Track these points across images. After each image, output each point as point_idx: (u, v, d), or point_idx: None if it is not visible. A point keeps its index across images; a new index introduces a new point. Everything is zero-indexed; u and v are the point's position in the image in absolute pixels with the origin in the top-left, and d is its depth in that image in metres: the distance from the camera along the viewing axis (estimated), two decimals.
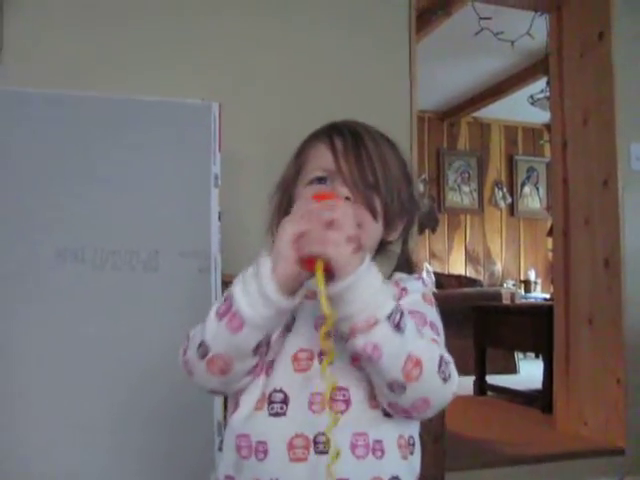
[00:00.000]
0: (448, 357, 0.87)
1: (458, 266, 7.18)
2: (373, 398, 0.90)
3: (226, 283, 2.04)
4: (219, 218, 1.96)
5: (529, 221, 7.57)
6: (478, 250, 7.35)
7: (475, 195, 7.40)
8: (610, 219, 3.20)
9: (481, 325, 4.74)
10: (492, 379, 4.75)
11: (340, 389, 0.89)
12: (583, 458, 3.07)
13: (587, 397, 3.34)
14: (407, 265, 1.09)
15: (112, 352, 1.85)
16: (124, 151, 1.93)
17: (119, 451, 1.82)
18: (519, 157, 7.61)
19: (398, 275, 1.06)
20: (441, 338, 0.93)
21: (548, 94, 4.35)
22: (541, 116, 6.00)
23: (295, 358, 0.92)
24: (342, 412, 0.88)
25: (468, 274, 7.10)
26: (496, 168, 7.55)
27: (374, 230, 1.00)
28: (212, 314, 0.87)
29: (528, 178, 7.65)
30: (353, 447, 0.88)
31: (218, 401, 1.89)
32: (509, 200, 7.49)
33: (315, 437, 0.87)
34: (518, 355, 5.77)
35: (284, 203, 1.03)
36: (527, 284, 6.91)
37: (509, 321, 4.57)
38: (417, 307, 0.94)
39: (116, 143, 1.93)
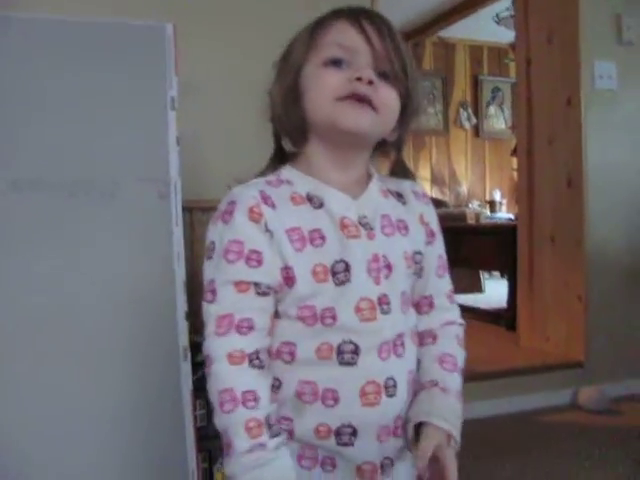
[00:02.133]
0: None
1: (424, 187, 7.20)
2: (415, 335, 1.02)
3: (186, 209, 2.03)
4: (177, 143, 1.90)
5: (494, 141, 7.56)
6: (443, 171, 7.35)
7: (440, 116, 7.34)
8: (573, 138, 3.21)
9: (447, 245, 4.76)
10: (459, 298, 4.79)
11: (400, 336, 0.96)
12: (545, 372, 3.16)
13: (549, 314, 3.42)
14: (404, 173, 1.08)
15: (74, 283, 1.83)
16: (75, 76, 1.85)
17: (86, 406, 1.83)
18: (484, 77, 7.54)
19: (410, 184, 1.08)
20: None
21: (513, 12, 4.29)
22: (507, 35, 5.92)
23: (358, 309, 0.92)
24: (402, 355, 0.96)
25: (434, 195, 7.12)
26: (461, 88, 7.48)
27: (391, 120, 0.97)
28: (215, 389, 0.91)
29: (493, 98, 7.60)
30: (408, 383, 0.97)
31: (183, 328, 1.89)
32: (474, 121, 7.46)
33: (385, 382, 0.92)
34: (484, 275, 5.88)
35: (291, 83, 0.96)
36: (492, 204, 6.96)
37: (474, 241, 4.63)
38: (444, 253, 1.08)
39: (66, 68, 1.85)
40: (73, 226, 1.84)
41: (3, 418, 1.75)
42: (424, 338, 1.04)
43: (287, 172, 0.99)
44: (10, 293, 1.78)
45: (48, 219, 1.82)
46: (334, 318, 0.91)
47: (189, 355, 1.89)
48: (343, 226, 0.94)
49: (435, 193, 7.20)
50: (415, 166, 7.11)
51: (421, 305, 1.05)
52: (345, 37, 0.93)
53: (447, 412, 0.96)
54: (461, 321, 1.08)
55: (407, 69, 0.94)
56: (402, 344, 0.96)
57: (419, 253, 1.02)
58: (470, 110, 7.44)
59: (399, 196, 1.04)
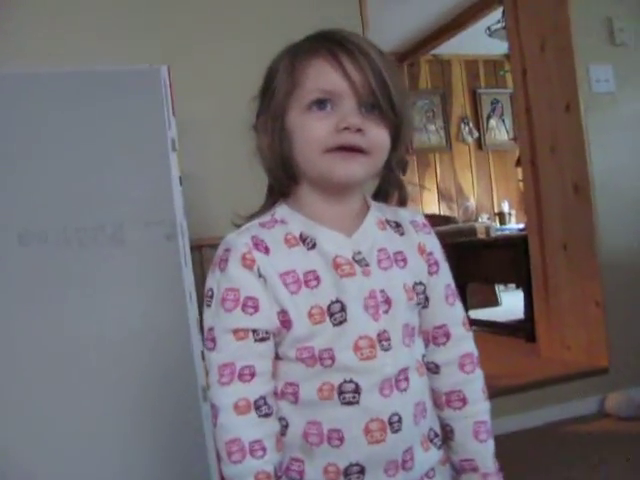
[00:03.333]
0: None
1: (431, 205, 7.20)
2: (422, 366, 1.01)
3: (195, 248, 2.04)
4: (180, 183, 1.93)
5: (498, 153, 7.58)
6: (450, 187, 7.36)
7: (442, 133, 7.37)
8: (575, 144, 3.20)
9: (459, 261, 4.69)
10: (475, 313, 4.81)
11: (403, 370, 0.95)
12: (570, 381, 3.13)
13: (568, 322, 3.39)
14: (400, 191, 1.06)
15: (88, 331, 1.84)
16: (77, 126, 1.88)
17: (100, 431, 1.82)
18: (482, 90, 7.58)
19: (409, 213, 1.07)
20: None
21: (504, 24, 4.31)
22: (500, 47, 5.95)
23: (356, 348, 0.92)
24: (405, 390, 0.95)
25: (442, 212, 7.12)
26: (460, 104, 7.52)
27: (383, 157, 0.97)
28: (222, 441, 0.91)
29: (493, 110, 7.63)
30: (415, 416, 0.96)
31: (200, 368, 1.89)
32: (476, 135, 7.48)
33: (389, 418, 0.92)
34: (499, 288, 5.85)
35: (276, 128, 0.95)
36: (501, 216, 6.96)
37: (486, 255, 4.61)
38: (451, 282, 1.06)
39: (67, 118, 1.88)
40: (84, 275, 1.85)
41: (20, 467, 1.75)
42: (445, 376, 1.04)
43: (281, 210, 0.99)
44: (25, 347, 1.78)
45: (58, 270, 1.83)
46: (332, 359, 0.91)
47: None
48: (336, 265, 0.94)
49: (443, 210, 7.21)
50: (421, 185, 7.13)
51: (436, 336, 1.04)
52: (326, 81, 0.91)
53: None
54: (476, 352, 1.07)
55: (392, 97, 0.92)
56: (406, 378, 0.95)
57: (420, 284, 1.01)
58: (471, 124, 7.48)
59: (397, 226, 1.04)
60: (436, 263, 1.05)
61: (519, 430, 2.87)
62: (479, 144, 7.53)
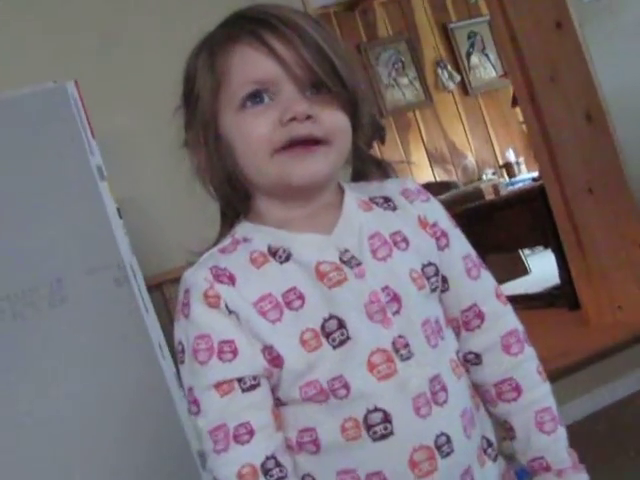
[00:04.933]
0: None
1: (424, 172, 7.17)
2: (459, 365, 0.99)
3: (153, 287, 2.03)
4: (119, 215, 1.91)
5: (488, 95, 7.55)
6: (441, 147, 7.35)
7: (417, 85, 7.32)
8: (577, 67, 3.20)
9: (470, 232, 4.67)
10: (502, 288, 4.79)
11: (435, 378, 0.92)
12: (628, 348, 3.12)
13: (613, 277, 3.39)
14: (378, 168, 1.05)
15: (46, 411, 1.82)
16: None
17: None
18: (454, 25, 7.55)
19: (397, 182, 1.05)
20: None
21: None
22: None
23: (371, 367, 0.90)
24: (445, 401, 0.92)
25: (438, 178, 7.11)
26: (431, 45, 7.47)
27: (347, 141, 0.95)
28: None
29: (472, 46, 7.59)
30: (465, 429, 0.94)
31: (191, 429, 1.87)
32: (458, 78, 7.45)
33: (436, 441, 0.90)
34: (524, 253, 5.85)
35: (210, 139, 0.94)
36: (509, 168, 6.94)
37: (501, 218, 4.59)
38: (470, 251, 1.05)
39: None
40: (27, 349, 1.83)
41: None
42: (489, 365, 1.03)
43: (242, 229, 0.98)
44: None
45: None
46: (346, 387, 0.89)
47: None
48: (321, 275, 0.92)
49: (438, 175, 7.20)
50: (406, 150, 7.11)
51: (468, 321, 1.02)
52: (255, 69, 0.90)
53: None
54: (520, 326, 1.06)
55: (338, 70, 0.90)
56: (442, 387, 0.93)
57: (431, 264, 0.99)
58: (449, 67, 7.46)
59: (386, 201, 1.01)
60: (444, 234, 1.02)
61: (588, 414, 2.87)
62: (464, 89, 7.50)
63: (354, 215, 0.97)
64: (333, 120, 0.92)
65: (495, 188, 5.49)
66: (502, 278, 5.06)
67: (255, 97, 0.90)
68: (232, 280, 0.91)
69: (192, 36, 0.97)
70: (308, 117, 0.89)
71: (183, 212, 2.17)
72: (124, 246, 1.89)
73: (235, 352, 0.89)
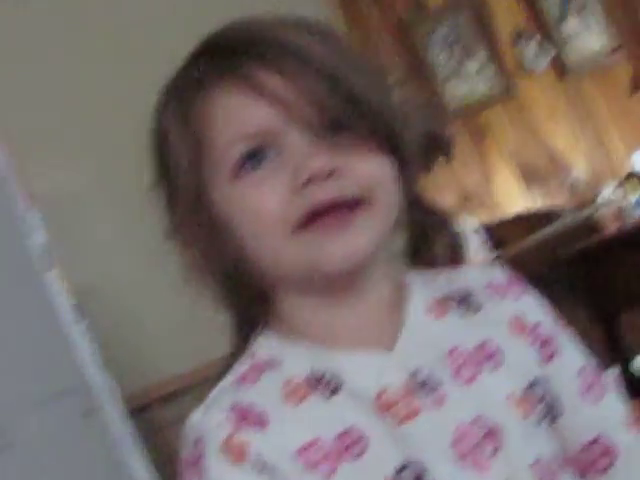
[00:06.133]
0: None
1: (511, 197, 6.50)
2: None
3: (135, 411, 1.82)
4: (83, 315, 1.68)
5: (596, 76, 6.79)
6: (533, 157, 6.63)
7: (491, 69, 6.56)
8: None
9: (593, 281, 4.28)
10: None
11: None
12: None
13: None
14: (451, 243, 0.87)
15: None
16: None
17: None
18: None
19: (478, 272, 0.90)
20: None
21: None
22: None
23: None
24: None
25: (532, 204, 6.43)
26: (508, 11, 6.77)
27: (393, 195, 0.79)
28: None
29: (566, 5, 6.85)
30: None
31: None
32: (551, 52, 6.70)
33: None
34: None
35: (205, 227, 0.79)
36: (636, 181, 6.27)
37: (633, 259, 4.08)
38: (587, 361, 0.88)
39: None
40: None
41: None
42: None
43: (266, 346, 0.81)
44: None
45: None
46: None
47: None
48: (385, 406, 0.78)
49: (534, 200, 6.50)
50: (484, 169, 6.46)
51: (594, 461, 0.85)
52: (245, 119, 0.77)
53: None
54: None
55: (360, 97, 0.75)
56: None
57: (536, 384, 0.83)
58: (538, 37, 6.74)
59: (465, 299, 0.85)
60: (549, 340, 0.87)
61: None
62: (560, 67, 6.72)
63: (423, 323, 0.85)
64: (367, 168, 0.77)
65: (620, 214, 4.88)
66: None
67: (252, 159, 0.76)
68: (262, 423, 0.77)
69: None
70: (330, 173, 0.75)
71: (167, 303, 1.89)
72: (88, 360, 1.64)
73: None
